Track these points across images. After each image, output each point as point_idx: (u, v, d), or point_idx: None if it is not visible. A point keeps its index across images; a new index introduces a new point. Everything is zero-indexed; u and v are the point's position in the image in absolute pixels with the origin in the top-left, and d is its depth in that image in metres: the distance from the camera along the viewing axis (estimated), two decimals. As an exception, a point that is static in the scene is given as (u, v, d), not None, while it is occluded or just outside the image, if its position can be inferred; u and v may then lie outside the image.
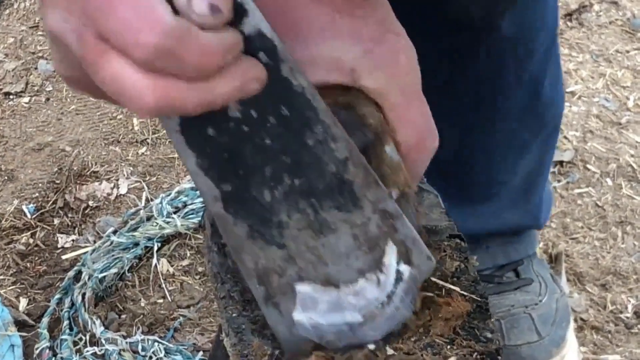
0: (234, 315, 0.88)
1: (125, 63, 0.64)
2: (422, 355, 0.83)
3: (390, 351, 0.83)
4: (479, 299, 0.88)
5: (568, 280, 1.83)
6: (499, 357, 0.83)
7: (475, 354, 0.83)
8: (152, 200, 1.95)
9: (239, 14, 0.68)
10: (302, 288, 0.80)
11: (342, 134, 0.76)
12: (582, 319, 1.77)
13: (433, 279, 0.89)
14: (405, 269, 0.83)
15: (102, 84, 0.65)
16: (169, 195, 1.93)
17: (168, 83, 0.65)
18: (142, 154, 2.08)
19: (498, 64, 1.34)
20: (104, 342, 1.64)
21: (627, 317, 1.78)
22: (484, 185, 1.51)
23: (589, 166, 2.09)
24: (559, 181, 2.05)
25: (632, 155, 2.11)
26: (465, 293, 0.87)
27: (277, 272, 0.80)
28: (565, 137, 2.15)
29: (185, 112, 0.68)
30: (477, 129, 1.43)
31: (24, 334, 1.70)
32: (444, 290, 0.88)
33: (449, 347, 0.84)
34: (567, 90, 2.29)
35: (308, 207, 0.77)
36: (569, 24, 2.53)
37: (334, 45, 0.79)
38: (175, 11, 0.63)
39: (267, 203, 0.77)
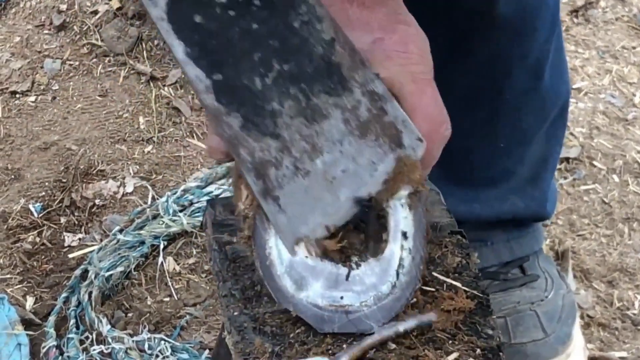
0: (235, 313, 0.88)
1: None
2: (423, 350, 0.83)
3: (392, 345, 0.83)
4: (480, 294, 0.88)
5: (575, 277, 1.83)
6: (501, 353, 0.83)
7: (477, 349, 0.83)
8: (158, 198, 1.95)
9: None
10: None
11: (327, 14, 0.75)
12: (588, 316, 1.77)
13: (435, 274, 0.89)
14: (405, 256, 0.83)
15: None
16: (175, 193, 1.93)
17: None
18: (148, 152, 2.08)
19: (498, 45, 1.34)
20: (110, 340, 1.65)
21: (634, 314, 1.78)
22: (488, 171, 1.50)
23: (595, 163, 2.09)
24: (565, 178, 2.04)
25: (638, 152, 2.10)
26: (466, 289, 0.88)
27: (274, 163, 0.79)
28: (572, 134, 2.14)
29: None
30: (480, 112, 1.43)
31: (30, 332, 1.70)
32: (445, 286, 0.88)
33: (450, 342, 0.84)
34: (574, 86, 2.29)
35: (299, 93, 0.77)
36: (575, 20, 2.52)
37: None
38: None
39: (259, 91, 0.76)
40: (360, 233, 0.85)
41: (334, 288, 0.83)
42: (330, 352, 0.82)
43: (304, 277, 0.83)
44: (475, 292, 0.88)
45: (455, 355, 0.82)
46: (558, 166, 2.04)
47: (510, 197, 1.53)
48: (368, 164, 0.81)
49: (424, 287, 0.88)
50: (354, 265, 0.84)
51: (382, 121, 0.80)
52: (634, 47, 2.42)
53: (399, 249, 0.84)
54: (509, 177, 1.51)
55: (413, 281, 0.85)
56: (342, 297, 0.83)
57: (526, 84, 1.41)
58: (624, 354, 1.71)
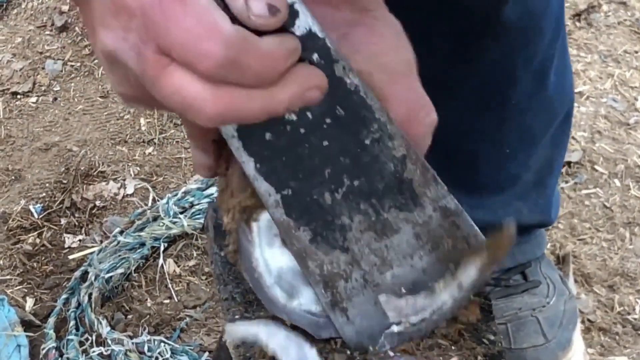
0: (236, 317, 0.88)
1: (187, 75, 0.65)
2: (425, 356, 0.82)
3: (391, 353, 0.83)
4: (482, 300, 0.88)
5: (575, 281, 1.83)
6: (502, 358, 0.83)
7: (479, 356, 0.83)
8: (158, 200, 1.95)
9: (291, 15, 0.68)
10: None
11: (398, 131, 0.75)
12: (589, 320, 1.77)
13: None
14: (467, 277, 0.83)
15: (164, 98, 0.66)
16: (175, 195, 1.93)
17: (230, 93, 0.65)
18: (149, 154, 2.08)
19: (504, 50, 1.33)
20: (110, 342, 1.64)
21: (635, 319, 1.77)
22: (495, 177, 1.50)
23: (597, 167, 2.08)
24: (566, 182, 2.04)
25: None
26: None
27: (343, 276, 0.79)
28: (573, 138, 2.14)
29: (247, 121, 0.68)
30: (486, 117, 1.42)
31: (30, 334, 1.70)
32: None
33: (453, 348, 0.84)
34: (576, 90, 2.28)
35: (369, 208, 0.77)
36: (577, 24, 2.52)
37: None
38: (233, 18, 0.64)
39: (329, 206, 0.76)
40: None
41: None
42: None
43: (294, 285, 0.83)
44: (477, 297, 0.88)
45: (455, 359, 0.82)
46: (559, 170, 2.05)
47: (515, 203, 1.53)
48: (440, 278, 0.81)
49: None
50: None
51: (454, 235, 0.80)
52: (636, 52, 2.42)
53: (451, 298, 0.83)
54: (514, 182, 1.51)
55: (441, 321, 0.84)
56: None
57: (531, 88, 1.41)
58: (624, 358, 1.71)
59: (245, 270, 0.84)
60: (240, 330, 0.82)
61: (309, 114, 0.73)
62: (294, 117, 0.72)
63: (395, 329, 0.83)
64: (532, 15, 1.32)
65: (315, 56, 0.70)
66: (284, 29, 0.67)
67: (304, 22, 0.69)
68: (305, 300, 0.83)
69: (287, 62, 0.67)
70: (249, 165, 0.75)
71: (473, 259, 0.85)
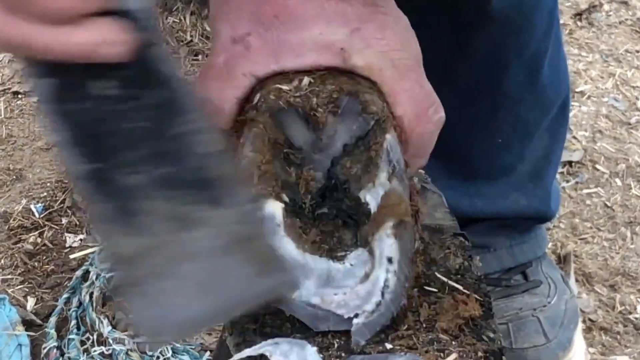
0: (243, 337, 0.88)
1: None
2: (425, 350, 0.82)
3: (389, 346, 0.82)
4: (482, 297, 0.88)
5: (577, 280, 1.83)
6: (503, 357, 0.83)
7: (479, 352, 0.83)
8: (160, 199, 1.94)
9: None
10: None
11: (212, 128, 0.75)
12: (590, 320, 1.77)
13: (438, 274, 0.89)
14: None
15: None
16: (177, 195, 1.92)
17: (18, 23, 0.66)
18: (150, 153, 2.08)
19: (497, 40, 1.34)
20: (111, 341, 1.64)
21: (636, 318, 1.77)
22: (488, 166, 1.50)
23: (598, 166, 2.08)
24: (567, 181, 2.04)
25: (641, 156, 2.10)
26: (467, 291, 0.87)
27: (139, 260, 0.78)
28: (575, 137, 2.14)
29: (33, 54, 0.68)
30: (478, 106, 1.43)
31: (31, 333, 1.70)
32: (447, 288, 0.88)
33: (453, 343, 0.84)
34: (577, 90, 2.28)
35: (172, 198, 0.76)
36: (578, 23, 2.52)
37: (322, 28, 0.80)
38: None
39: (130, 188, 0.76)
40: (349, 228, 0.85)
41: (327, 285, 0.83)
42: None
43: (295, 276, 0.82)
44: (477, 295, 0.88)
45: (454, 356, 0.82)
46: (561, 169, 2.04)
47: (513, 194, 1.53)
48: (238, 280, 0.80)
49: (426, 287, 0.87)
50: (342, 259, 0.84)
51: (257, 241, 0.79)
52: (637, 51, 2.42)
53: (384, 272, 0.83)
54: (509, 173, 1.51)
55: (398, 298, 0.84)
56: (335, 294, 0.83)
57: (524, 79, 1.41)
58: (625, 358, 1.70)
59: None
60: (246, 352, 0.82)
61: (119, 93, 0.72)
62: (104, 92, 0.72)
63: (358, 321, 0.82)
64: (523, 7, 1.32)
65: (137, 33, 0.70)
66: None
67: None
68: (305, 292, 0.82)
69: (83, 5, 0.66)
70: (55, 133, 0.74)
71: (378, 232, 0.84)
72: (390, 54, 0.82)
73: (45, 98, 0.73)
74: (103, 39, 0.68)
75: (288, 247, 0.82)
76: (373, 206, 0.82)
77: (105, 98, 0.73)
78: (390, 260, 0.83)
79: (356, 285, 0.82)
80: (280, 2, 0.81)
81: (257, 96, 0.80)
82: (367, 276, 0.82)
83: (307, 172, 0.82)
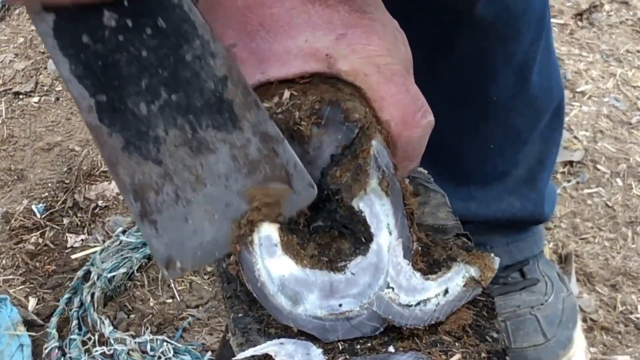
0: (240, 315, 0.88)
1: None
2: (428, 352, 0.82)
3: (392, 349, 0.83)
4: (485, 298, 0.88)
5: (578, 280, 1.83)
6: (507, 357, 0.83)
7: (482, 353, 0.83)
8: (161, 200, 1.94)
9: None
10: None
11: (222, 51, 0.75)
12: (591, 320, 1.77)
13: None
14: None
15: None
16: (178, 195, 1.92)
17: None
18: (152, 153, 2.08)
19: (482, 46, 1.34)
20: (112, 342, 1.64)
21: (637, 318, 1.77)
22: (480, 172, 1.50)
23: (599, 166, 2.08)
24: (568, 181, 2.04)
25: (642, 155, 2.10)
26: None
27: (154, 188, 0.78)
28: (575, 137, 2.14)
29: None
30: (468, 112, 1.43)
31: (33, 333, 1.70)
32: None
33: (457, 344, 0.84)
34: (578, 90, 2.29)
35: (186, 124, 0.76)
36: (579, 23, 2.52)
37: (308, 35, 0.80)
38: None
39: (144, 116, 0.76)
40: (346, 237, 0.85)
41: (331, 297, 0.83)
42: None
43: (297, 292, 0.83)
44: (479, 295, 0.88)
45: (457, 356, 0.82)
46: (562, 170, 2.04)
47: (507, 198, 1.53)
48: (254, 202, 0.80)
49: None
50: (343, 269, 0.84)
51: (273, 162, 0.79)
52: (638, 51, 2.42)
53: (387, 235, 0.83)
54: (502, 177, 1.52)
55: (407, 252, 0.84)
56: (340, 305, 0.83)
57: (513, 86, 1.41)
58: (627, 357, 1.71)
59: (248, 281, 0.84)
60: (250, 352, 0.83)
61: (128, 22, 0.72)
62: (113, 22, 0.72)
63: (386, 294, 0.83)
64: (510, 14, 1.32)
65: None
66: None
67: None
68: (310, 306, 0.83)
69: None
70: (63, 66, 0.74)
71: (464, 266, 0.86)
72: (376, 59, 0.81)
73: (54, 32, 0.73)
74: None
75: (288, 265, 0.82)
76: (367, 214, 0.82)
77: (116, 27, 0.73)
78: (446, 293, 0.84)
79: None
80: (266, 11, 0.81)
81: None
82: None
83: None
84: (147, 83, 0.75)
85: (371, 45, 0.81)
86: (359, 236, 0.84)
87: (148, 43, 0.73)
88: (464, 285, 0.85)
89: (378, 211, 0.82)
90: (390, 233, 0.83)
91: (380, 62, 0.82)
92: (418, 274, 0.85)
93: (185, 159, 0.78)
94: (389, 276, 0.84)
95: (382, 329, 0.84)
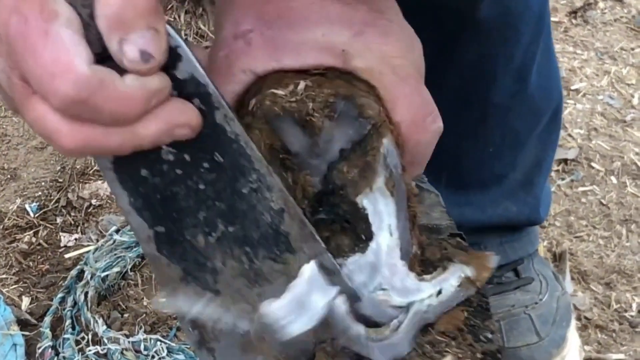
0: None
1: (47, 107, 0.65)
2: (422, 351, 0.82)
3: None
4: (478, 298, 0.87)
5: (572, 278, 1.83)
6: (500, 355, 0.83)
7: (477, 353, 0.83)
8: (154, 198, 1.94)
9: (172, 58, 0.68)
10: None
11: (278, 184, 0.75)
12: (586, 318, 1.77)
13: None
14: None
15: (28, 123, 0.68)
16: (171, 193, 1.92)
17: (86, 128, 0.66)
18: (145, 152, 2.08)
19: (483, 49, 1.34)
20: (106, 341, 1.64)
21: (632, 316, 1.77)
22: (479, 175, 1.50)
23: (593, 164, 2.08)
24: (562, 179, 2.04)
25: (636, 153, 2.10)
26: None
27: (211, 319, 0.80)
28: (570, 135, 2.14)
29: (107, 154, 0.70)
30: (469, 115, 1.42)
31: (26, 333, 1.69)
32: None
33: (452, 344, 0.84)
34: (572, 87, 2.29)
35: (243, 255, 0.77)
36: (573, 21, 2.52)
37: (325, 29, 0.80)
38: (107, 57, 0.64)
39: (201, 247, 0.77)
40: (346, 234, 0.85)
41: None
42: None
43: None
44: (473, 295, 0.87)
45: (449, 357, 0.82)
46: (556, 167, 2.04)
47: (503, 202, 1.53)
48: None
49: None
50: (342, 266, 0.84)
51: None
52: (632, 49, 2.42)
53: (387, 235, 0.83)
54: (500, 181, 1.51)
55: (406, 255, 0.84)
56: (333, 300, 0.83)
57: (512, 88, 1.41)
58: (621, 356, 1.71)
59: None
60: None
61: (186, 156, 0.73)
62: (171, 157, 0.73)
63: (378, 295, 0.83)
64: (510, 14, 1.32)
65: (196, 101, 0.71)
66: (165, 69, 0.68)
67: (187, 67, 0.69)
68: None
69: (149, 101, 0.67)
70: (122, 198, 0.75)
71: (457, 268, 0.85)
72: (392, 60, 0.81)
73: (114, 165, 0.74)
74: (172, 125, 0.69)
75: None
76: (370, 211, 0.82)
77: (174, 161, 0.73)
78: (439, 293, 0.84)
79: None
80: (285, 3, 0.81)
81: (253, 101, 0.80)
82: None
83: (303, 178, 0.81)
84: (204, 215, 0.75)
85: (388, 46, 0.81)
86: (359, 233, 0.84)
87: (205, 177, 0.74)
88: (458, 286, 0.85)
89: (381, 210, 0.82)
90: (391, 234, 0.82)
91: (395, 63, 0.82)
92: (412, 275, 0.84)
93: (243, 290, 0.78)
94: (383, 277, 0.83)
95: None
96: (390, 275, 0.83)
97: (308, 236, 0.78)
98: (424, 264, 0.89)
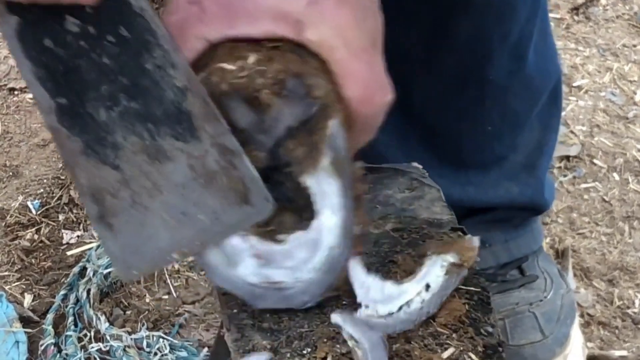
0: (235, 311, 0.88)
1: None
2: (424, 344, 0.82)
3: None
4: (479, 291, 0.88)
5: (575, 275, 1.83)
6: (500, 348, 0.83)
7: (478, 346, 0.83)
8: (157, 196, 1.94)
9: None
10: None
11: (183, 63, 0.76)
12: (589, 315, 1.76)
13: None
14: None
15: None
16: (173, 191, 1.92)
17: None
18: (147, 149, 2.08)
19: (477, 27, 1.33)
20: (108, 338, 1.64)
21: (635, 313, 1.77)
22: (479, 155, 1.50)
23: (595, 161, 2.08)
24: (565, 176, 2.04)
25: (639, 150, 2.10)
26: (462, 287, 0.88)
27: (110, 192, 0.79)
28: (572, 132, 2.14)
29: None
30: (465, 94, 1.42)
31: (28, 330, 1.69)
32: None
33: (453, 336, 0.84)
34: (574, 84, 2.28)
35: (144, 132, 0.77)
36: (575, 18, 2.52)
37: None
38: None
39: (103, 122, 0.77)
40: (290, 211, 0.85)
41: (266, 266, 0.83)
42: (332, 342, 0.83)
43: (235, 255, 0.83)
44: (475, 288, 0.88)
45: (451, 350, 0.82)
46: (558, 164, 2.04)
47: (505, 183, 1.52)
48: (210, 212, 0.81)
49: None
50: (282, 241, 0.84)
51: (230, 175, 0.80)
52: (634, 45, 2.42)
53: (329, 215, 0.83)
54: (500, 162, 1.51)
55: (348, 234, 0.84)
56: (274, 275, 0.83)
57: (509, 66, 1.41)
58: (624, 352, 1.70)
59: None
60: None
61: (91, 29, 0.74)
62: (75, 28, 0.73)
63: (362, 312, 0.83)
64: None
65: None
66: None
67: None
68: (245, 271, 0.83)
69: None
70: (25, 68, 0.75)
71: (438, 257, 0.86)
72: (345, 32, 0.81)
73: (18, 34, 0.74)
74: None
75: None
76: (313, 190, 0.82)
77: (78, 33, 0.74)
78: (427, 288, 0.84)
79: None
80: None
81: (200, 77, 0.80)
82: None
83: (249, 152, 0.81)
84: (107, 89, 0.76)
85: (342, 17, 0.80)
86: (302, 211, 0.84)
87: (109, 50, 0.75)
88: (446, 274, 0.86)
89: (325, 190, 0.82)
90: (333, 213, 0.83)
91: (348, 35, 0.81)
92: (389, 282, 0.85)
93: (143, 166, 0.79)
94: (359, 297, 0.84)
95: (311, 303, 0.84)
96: (365, 293, 0.84)
97: (211, 116, 0.78)
98: (416, 258, 0.90)
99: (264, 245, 0.82)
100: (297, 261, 0.83)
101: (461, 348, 0.82)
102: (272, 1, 0.79)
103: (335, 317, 0.84)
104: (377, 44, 0.83)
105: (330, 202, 0.82)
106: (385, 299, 0.84)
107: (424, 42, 1.34)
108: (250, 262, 0.82)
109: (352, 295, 0.86)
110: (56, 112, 0.77)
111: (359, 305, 0.85)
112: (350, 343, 0.82)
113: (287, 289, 0.83)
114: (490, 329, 0.84)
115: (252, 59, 0.79)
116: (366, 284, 0.84)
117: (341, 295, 0.87)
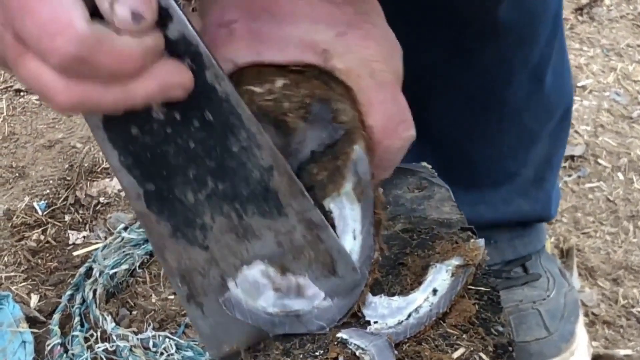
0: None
1: (42, 64, 0.66)
2: (435, 345, 0.83)
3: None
4: (489, 290, 0.88)
5: (579, 274, 1.83)
6: (510, 348, 0.83)
7: (488, 346, 0.83)
8: (162, 196, 1.94)
9: (163, 18, 0.69)
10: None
11: (267, 142, 0.76)
12: (593, 314, 1.77)
13: None
14: None
15: (22, 80, 0.68)
16: (179, 191, 1.92)
17: (83, 85, 0.67)
18: (153, 150, 2.08)
19: (501, 51, 1.34)
20: (115, 338, 1.64)
21: (639, 312, 1.77)
22: (492, 174, 1.50)
23: (600, 160, 2.08)
24: (569, 175, 2.04)
25: (643, 150, 2.10)
26: (471, 287, 0.88)
27: (200, 272, 0.81)
28: (576, 132, 2.14)
29: (102, 112, 0.70)
30: (484, 117, 1.43)
31: (35, 330, 1.70)
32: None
33: (463, 337, 0.84)
34: (578, 84, 2.29)
35: (232, 211, 0.78)
36: (579, 18, 2.52)
37: (309, 27, 0.80)
38: (98, 14, 0.64)
39: (191, 204, 0.78)
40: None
41: (286, 297, 0.84)
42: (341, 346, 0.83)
43: (256, 288, 0.83)
44: (485, 288, 0.88)
45: (462, 350, 0.82)
46: (563, 164, 2.04)
47: (516, 199, 1.53)
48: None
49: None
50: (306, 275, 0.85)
51: (317, 248, 0.81)
52: (638, 45, 2.42)
53: (351, 240, 0.84)
54: (513, 179, 1.52)
55: (367, 259, 0.85)
56: (293, 304, 0.84)
57: (528, 88, 1.41)
58: (629, 351, 1.71)
59: None
60: None
61: (177, 115, 0.74)
62: (161, 116, 0.74)
63: (371, 328, 0.84)
64: (529, 16, 1.32)
65: (187, 61, 0.71)
66: (156, 29, 0.68)
67: (177, 26, 0.70)
68: (265, 303, 0.84)
69: (144, 59, 0.67)
70: (113, 157, 0.76)
71: (442, 264, 0.86)
72: (371, 64, 0.82)
73: (104, 124, 0.75)
74: (166, 85, 0.70)
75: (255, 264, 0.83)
76: (336, 215, 0.83)
77: (164, 120, 0.74)
78: (434, 292, 0.85)
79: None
80: None
81: None
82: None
83: None
84: (194, 173, 0.77)
85: (369, 49, 0.81)
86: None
87: (195, 135, 0.75)
88: (452, 276, 0.86)
89: (347, 215, 0.83)
90: (354, 238, 0.83)
91: (374, 67, 0.82)
92: (395, 297, 0.86)
93: (231, 245, 0.80)
94: (368, 316, 0.85)
95: (327, 329, 0.84)
96: (373, 311, 0.85)
97: (297, 192, 0.79)
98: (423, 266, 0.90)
99: (284, 280, 0.83)
100: (316, 290, 0.83)
101: (471, 348, 0.82)
102: (301, 31, 0.80)
103: (341, 333, 0.84)
104: (400, 83, 0.84)
105: (351, 227, 0.83)
106: (393, 311, 0.85)
107: (445, 63, 1.34)
108: (271, 294, 0.83)
109: (359, 316, 0.86)
110: (144, 198, 0.78)
111: (368, 322, 0.85)
112: (357, 352, 0.82)
113: (304, 315, 0.84)
114: (500, 328, 0.85)
115: (279, 83, 0.80)
116: (373, 304, 0.85)
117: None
